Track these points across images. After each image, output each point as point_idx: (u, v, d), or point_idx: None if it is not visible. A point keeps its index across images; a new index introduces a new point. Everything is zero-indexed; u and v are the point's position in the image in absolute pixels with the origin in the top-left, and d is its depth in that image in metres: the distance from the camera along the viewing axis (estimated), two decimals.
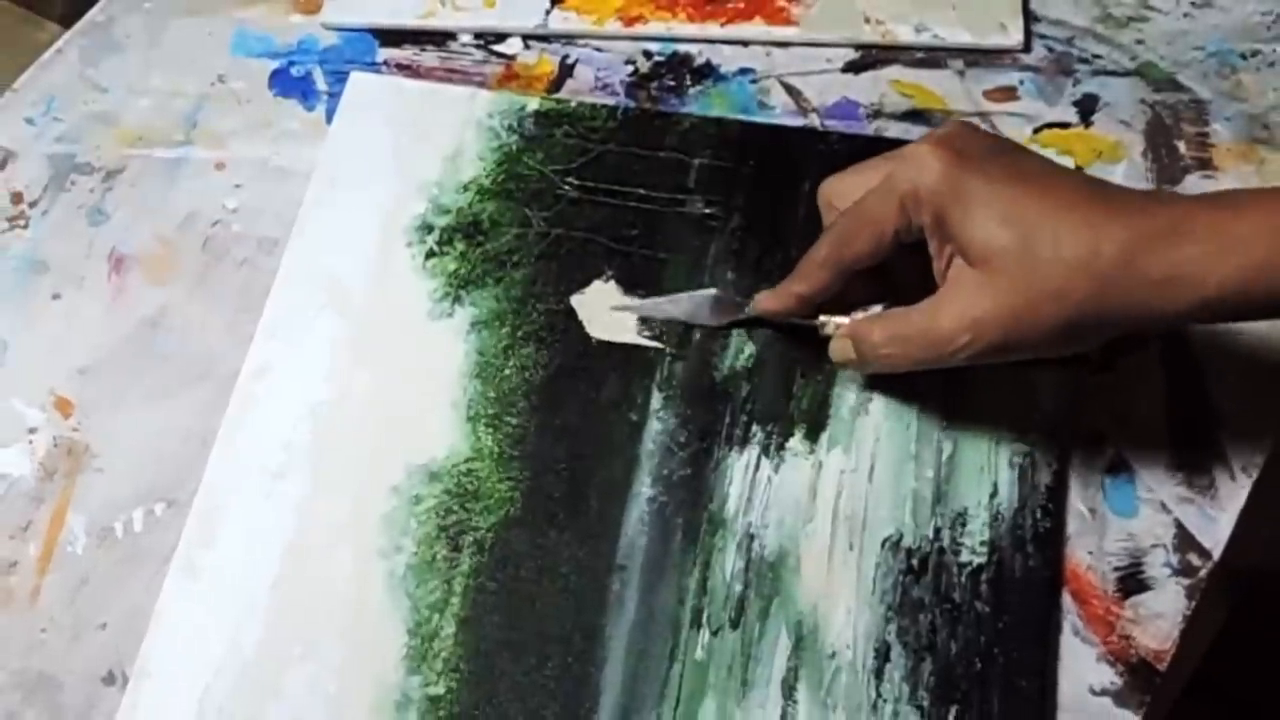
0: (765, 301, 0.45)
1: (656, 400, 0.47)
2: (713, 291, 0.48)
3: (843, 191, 0.43)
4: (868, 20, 0.55)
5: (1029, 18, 0.54)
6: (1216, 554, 0.43)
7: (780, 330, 0.47)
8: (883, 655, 0.42)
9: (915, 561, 0.44)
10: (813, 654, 0.43)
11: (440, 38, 0.57)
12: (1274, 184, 0.49)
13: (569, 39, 0.56)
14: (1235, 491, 0.44)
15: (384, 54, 0.57)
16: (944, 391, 0.46)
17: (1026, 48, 0.54)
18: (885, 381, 0.46)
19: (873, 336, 0.42)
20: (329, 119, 0.55)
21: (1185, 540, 0.44)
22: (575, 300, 0.49)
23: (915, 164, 0.40)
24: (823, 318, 0.44)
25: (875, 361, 0.42)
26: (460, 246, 0.51)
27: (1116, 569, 0.44)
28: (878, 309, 0.43)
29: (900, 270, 0.43)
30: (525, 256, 0.50)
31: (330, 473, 0.47)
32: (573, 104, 0.54)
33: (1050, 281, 0.37)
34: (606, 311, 0.49)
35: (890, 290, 0.43)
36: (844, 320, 0.44)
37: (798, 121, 0.53)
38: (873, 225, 0.41)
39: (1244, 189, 0.38)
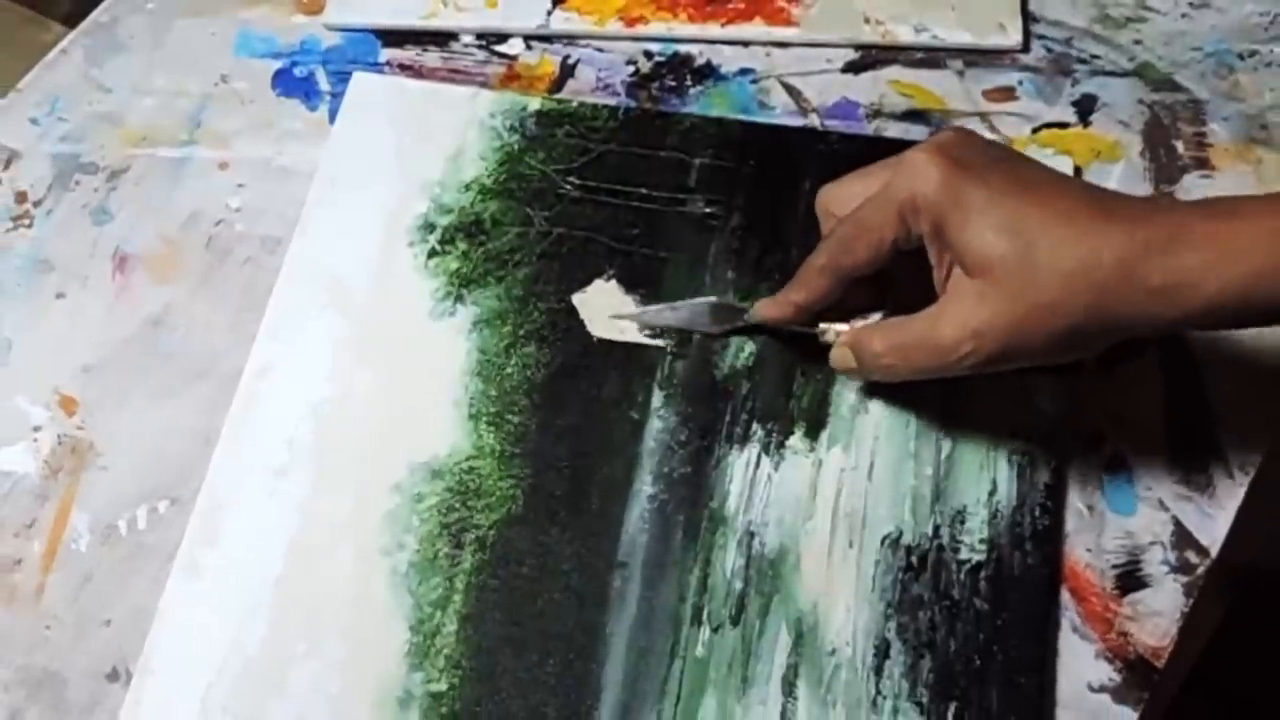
0: (765, 309, 0.45)
1: (657, 398, 0.47)
2: (711, 299, 0.48)
3: (840, 198, 0.43)
4: (867, 20, 0.55)
5: (1027, 18, 0.54)
6: (1214, 551, 0.44)
7: (779, 338, 0.47)
8: (882, 652, 0.43)
9: (915, 559, 0.44)
10: (812, 651, 0.43)
11: (442, 38, 0.57)
12: (1271, 183, 0.49)
13: (570, 39, 0.57)
14: (1233, 490, 0.44)
15: (386, 54, 0.57)
16: (943, 390, 0.46)
17: (1025, 48, 0.54)
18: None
19: (873, 345, 0.42)
20: (332, 119, 0.55)
21: (1183, 538, 0.44)
22: (576, 299, 0.49)
23: (913, 172, 0.39)
24: (822, 325, 0.44)
25: (876, 370, 0.42)
26: (462, 246, 0.51)
27: (1115, 566, 0.44)
28: (877, 316, 0.43)
29: (899, 277, 0.43)
30: (527, 256, 0.51)
31: (333, 471, 0.47)
32: (574, 104, 0.54)
33: (1050, 291, 0.37)
34: (607, 310, 0.49)
35: (889, 297, 0.44)
36: (844, 328, 0.44)
37: (798, 121, 0.53)
38: (871, 233, 0.41)
39: (1242, 196, 0.38)
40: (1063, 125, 0.52)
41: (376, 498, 0.46)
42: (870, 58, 0.55)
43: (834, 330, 0.44)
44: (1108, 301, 0.37)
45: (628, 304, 0.49)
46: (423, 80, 0.56)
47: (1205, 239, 0.36)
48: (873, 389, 0.46)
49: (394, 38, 0.58)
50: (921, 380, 0.42)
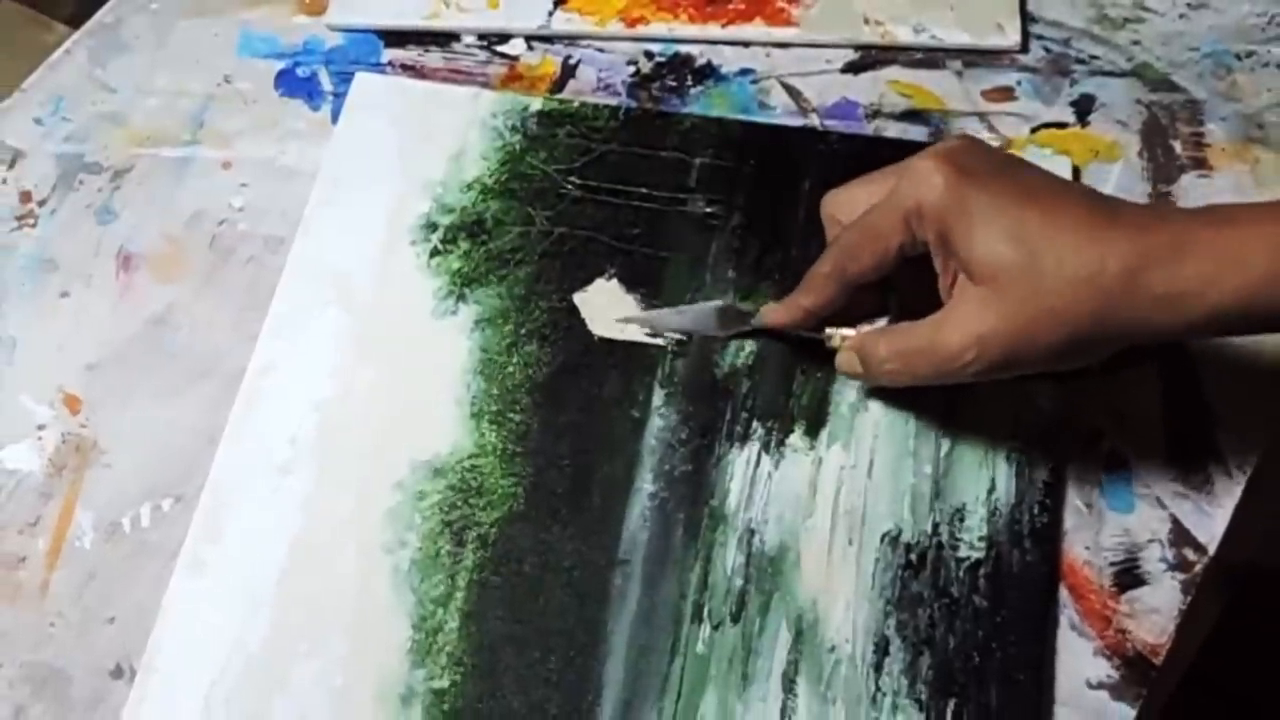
0: (772, 315, 0.46)
1: (658, 397, 0.47)
2: (717, 303, 0.48)
3: (845, 204, 0.43)
4: (867, 21, 0.55)
5: (1026, 19, 0.55)
6: (1212, 549, 0.44)
7: (785, 342, 0.47)
8: (882, 649, 0.43)
9: (914, 556, 0.44)
10: (812, 648, 0.43)
11: (444, 38, 0.58)
12: (1268, 183, 0.50)
13: (571, 40, 0.57)
14: (1230, 488, 0.45)
15: (388, 55, 0.58)
16: (943, 388, 0.46)
17: (1024, 48, 0.54)
18: None
19: (879, 351, 0.42)
20: (334, 119, 0.56)
21: (1181, 536, 0.44)
22: (578, 298, 0.50)
23: (919, 179, 0.39)
24: (828, 330, 0.45)
25: (881, 376, 0.43)
26: (464, 245, 0.51)
27: (1113, 564, 0.44)
28: (883, 322, 0.44)
29: (905, 283, 0.43)
30: (528, 255, 0.51)
31: (335, 469, 0.47)
32: (575, 104, 0.54)
33: (1055, 299, 0.37)
34: (609, 309, 0.49)
35: (895, 302, 0.44)
36: (850, 333, 0.44)
37: (798, 121, 0.54)
38: (877, 241, 0.41)
39: (1244, 204, 0.38)
40: (1061, 125, 0.52)
41: (379, 495, 0.47)
42: (870, 58, 0.55)
43: (840, 335, 0.44)
44: (1112, 309, 0.37)
45: (629, 303, 0.49)
46: (425, 80, 0.56)
47: (1207, 248, 0.36)
48: (873, 386, 0.47)
49: (396, 38, 0.58)
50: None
